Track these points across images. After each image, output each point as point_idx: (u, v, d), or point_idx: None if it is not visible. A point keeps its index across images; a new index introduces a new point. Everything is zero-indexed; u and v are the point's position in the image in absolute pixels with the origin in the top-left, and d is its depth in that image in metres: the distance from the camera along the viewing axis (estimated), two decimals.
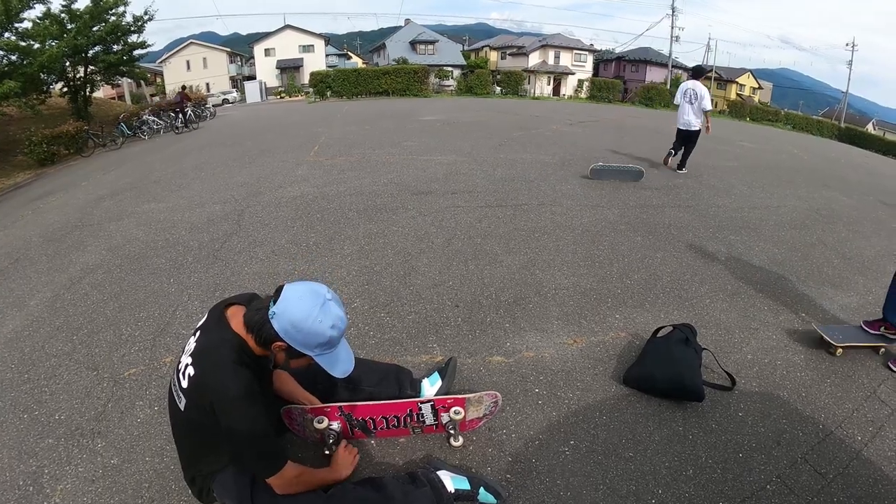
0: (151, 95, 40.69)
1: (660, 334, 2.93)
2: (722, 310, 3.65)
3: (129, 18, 20.24)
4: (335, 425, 2.13)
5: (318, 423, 2.09)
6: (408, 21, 54.91)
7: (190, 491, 1.96)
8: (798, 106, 61.31)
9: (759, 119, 36.35)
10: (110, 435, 2.48)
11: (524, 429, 2.38)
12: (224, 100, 40.46)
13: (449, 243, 4.72)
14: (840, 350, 3.29)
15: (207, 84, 45.26)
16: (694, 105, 8.24)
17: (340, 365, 1.73)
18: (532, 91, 42.82)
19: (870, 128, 50.68)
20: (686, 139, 8.55)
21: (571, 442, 2.31)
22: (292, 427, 2.22)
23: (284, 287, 1.67)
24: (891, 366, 3.09)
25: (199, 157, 10.51)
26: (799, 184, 8.89)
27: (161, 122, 18.31)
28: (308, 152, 9.74)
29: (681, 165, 8.64)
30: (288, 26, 48.70)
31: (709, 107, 8.23)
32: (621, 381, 2.73)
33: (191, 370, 1.68)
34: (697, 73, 8.75)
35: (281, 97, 42.21)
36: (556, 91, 46.93)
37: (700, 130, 8.41)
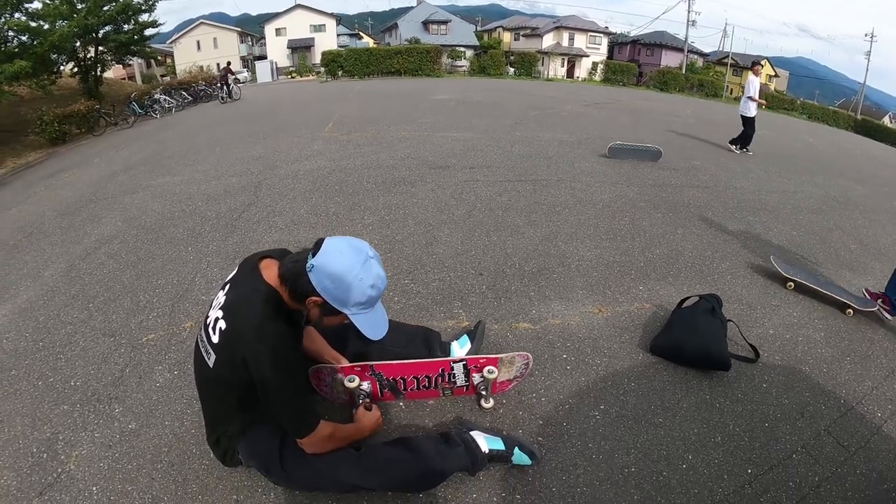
0: (162, 76, 40.53)
1: (685, 305, 2.92)
2: (743, 286, 3.65)
3: None
4: (365, 385, 2.11)
5: (350, 381, 2.06)
6: (420, 1, 54.23)
7: (212, 454, 1.91)
8: (814, 96, 60.19)
9: (774, 107, 35.79)
10: (128, 400, 2.46)
11: (553, 393, 2.39)
12: (235, 79, 40.20)
13: (470, 215, 4.72)
14: (791, 284, 3.62)
15: (217, 64, 44.98)
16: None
17: (376, 327, 1.65)
18: (545, 73, 42.34)
19: (886, 121, 49.79)
20: (742, 123, 9.59)
21: (601, 407, 2.32)
22: (319, 388, 2.20)
23: (325, 240, 1.58)
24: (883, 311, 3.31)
25: (213, 134, 10.51)
26: (815, 172, 8.81)
27: (172, 101, 18.18)
28: (323, 128, 9.71)
29: (740, 146, 9.59)
30: (299, 6, 48.11)
31: (749, 92, 9.43)
32: (648, 349, 2.73)
33: (222, 324, 1.60)
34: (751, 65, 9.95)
35: (292, 77, 41.90)
36: (570, 73, 46.28)
37: (751, 116, 9.44)
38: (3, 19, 15.12)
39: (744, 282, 3.72)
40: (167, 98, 18.13)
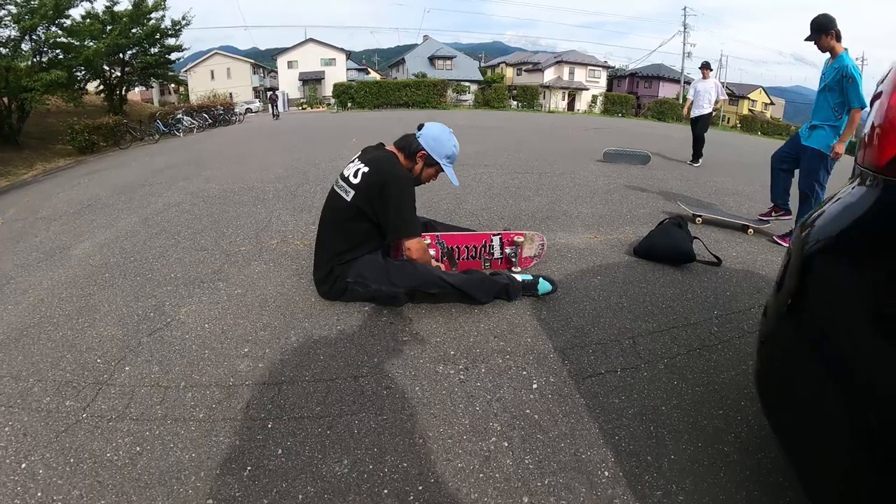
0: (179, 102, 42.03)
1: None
2: (712, 230, 4.50)
3: (167, 23, 21.66)
4: (432, 251, 2.96)
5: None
6: (426, 37, 56.43)
7: (318, 291, 2.70)
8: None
9: (770, 133, 37.23)
10: (231, 280, 3.02)
11: (563, 270, 3.29)
12: (247, 109, 41.65)
13: (489, 190, 5.71)
14: (700, 219, 4.62)
15: (231, 94, 46.41)
16: None
17: (455, 177, 2.67)
18: (547, 105, 43.93)
19: None
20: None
21: (598, 277, 3.21)
22: (396, 254, 2.83)
23: (425, 123, 2.65)
24: (777, 240, 4.18)
25: (245, 147, 11.49)
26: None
27: (194, 122, 19.36)
28: (347, 142, 10.80)
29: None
30: (311, 40, 50.15)
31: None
32: (632, 253, 3.65)
33: (364, 168, 2.48)
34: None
35: (303, 108, 43.50)
36: (571, 106, 47.97)
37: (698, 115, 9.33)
38: (40, 31, 15.84)
39: (715, 229, 4.56)
40: (190, 119, 19.31)
